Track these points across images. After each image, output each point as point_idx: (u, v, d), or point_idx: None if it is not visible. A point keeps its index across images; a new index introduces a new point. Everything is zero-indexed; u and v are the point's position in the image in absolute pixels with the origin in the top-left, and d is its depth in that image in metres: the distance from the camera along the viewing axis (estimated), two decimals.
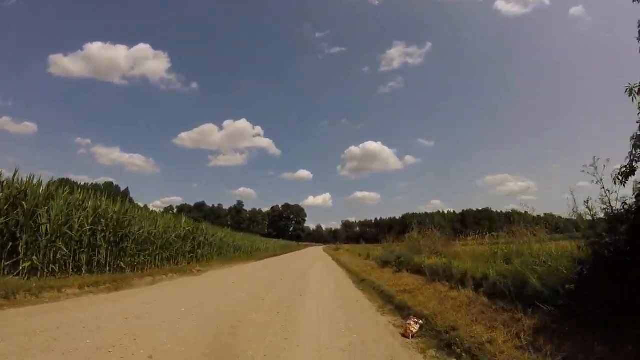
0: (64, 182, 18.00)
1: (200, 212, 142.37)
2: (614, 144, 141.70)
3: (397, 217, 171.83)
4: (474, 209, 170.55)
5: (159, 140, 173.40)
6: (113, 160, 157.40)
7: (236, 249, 27.96)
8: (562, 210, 6.16)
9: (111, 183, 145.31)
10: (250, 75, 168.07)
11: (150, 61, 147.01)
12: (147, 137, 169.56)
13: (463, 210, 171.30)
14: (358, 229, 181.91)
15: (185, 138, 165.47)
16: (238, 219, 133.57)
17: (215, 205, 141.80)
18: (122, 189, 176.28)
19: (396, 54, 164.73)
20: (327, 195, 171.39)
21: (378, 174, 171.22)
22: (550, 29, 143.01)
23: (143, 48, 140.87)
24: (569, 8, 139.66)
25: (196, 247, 20.03)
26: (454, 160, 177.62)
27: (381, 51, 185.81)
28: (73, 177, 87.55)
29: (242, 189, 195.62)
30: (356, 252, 30.09)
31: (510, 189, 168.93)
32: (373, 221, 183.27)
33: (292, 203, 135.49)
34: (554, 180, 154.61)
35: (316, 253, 47.53)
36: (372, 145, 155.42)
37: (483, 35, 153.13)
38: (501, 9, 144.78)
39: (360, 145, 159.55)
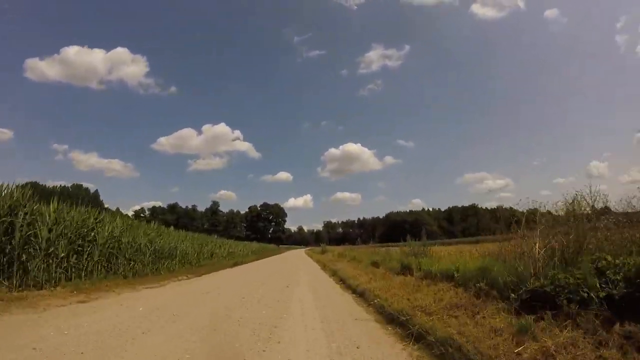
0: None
1: (173, 214, 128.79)
2: (590, 140, 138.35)
3: (381, 217, 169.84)
4: (460, 206, 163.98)
5: (138, 145, 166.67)
6: (91, 166, 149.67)
7: (164, 256, 16.12)
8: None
9: (80, 185, 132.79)
10: (229, 79, 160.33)
11: (128, 65, 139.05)
12: (125, 142, 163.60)
13: (449, 208, 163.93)
14: (340, 229, 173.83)
15: (164, 143, 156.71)
16: (214, 221, 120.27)
17: (189, 207, 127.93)
18: (101, 194, 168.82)
19: (375, 57, 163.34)
20: (308, 197, 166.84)
21: (358, 175, 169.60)
22: (526, 32, 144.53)
23: (121, 52, 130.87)
24: (543, 11, 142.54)
25: (19, 253, 8.22)
26: (434, 160, 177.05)
27: (360, 54, 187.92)
28: (51, 184, 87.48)
29: (222, 192, 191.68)
30: (359, 257, 18.59)
31: (489, 187, 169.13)
32: (356, 221, 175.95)
33: (271, 203, 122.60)
34: (531, 177, 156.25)
35: (298, 258, 35.67)
36: (352, 147, 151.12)
37: (461, 38, 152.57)
38: (477, 12, 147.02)
39: (340, 147, 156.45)
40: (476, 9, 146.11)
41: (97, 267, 11.50)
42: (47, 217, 9.81)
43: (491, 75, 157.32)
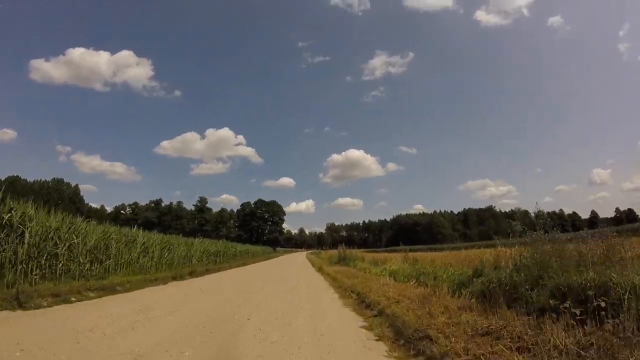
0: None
1: (155, 212, 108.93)
2: (593, 147, 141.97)
3: (388, 219, 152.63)
4: (476, 208, 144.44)
5: (141, 148, 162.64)
6: (93, 168, 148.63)
7: None
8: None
9: (61, 180, 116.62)
10: (233, 84, 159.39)
11: (133, 68, 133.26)
12: (128, 145, 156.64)
13: (464, 210, 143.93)
14: (344, 233, 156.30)
15: (167, 146, 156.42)
16: (201, 220, 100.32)
17: (174, 204, 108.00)
18: (102, 196, 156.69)
19: (379, 63, 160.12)
20: (310, 202, 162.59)
21: (360, 181, 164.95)
22: (529, 39, 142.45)
23: (126, 54, 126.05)
24: (547, 18, 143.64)
25: None
26: (436, 167, 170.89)
27: (364, 61, 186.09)
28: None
29: (224, 195, 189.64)
30: None
31: (492, 193, 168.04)
32: (361, 224, 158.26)
33: (267, 199, 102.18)
34: (533, 184, 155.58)
35: (293, 286, 16.04)
36: (355, 153, 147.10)
37: (464, 45, 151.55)
38: (481, 20, 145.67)
39: (343, 153, 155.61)
40: (480, 16, 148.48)
41: None
42: None
43: (494, 83, 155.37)
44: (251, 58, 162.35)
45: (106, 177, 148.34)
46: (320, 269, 19.50)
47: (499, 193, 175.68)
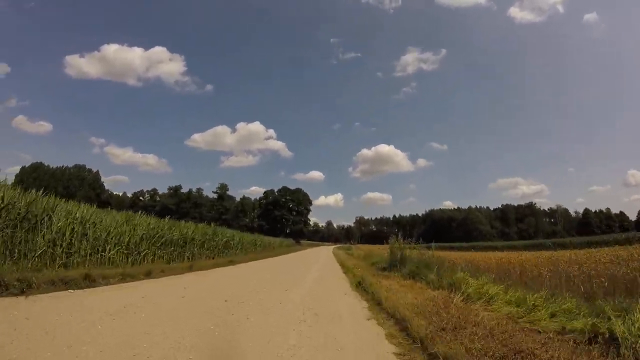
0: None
1: (174, 198, 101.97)
2: (628, 147, 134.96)
3: (420, 214, 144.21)
4: (515, 205, 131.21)
5: (172, 141, 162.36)
6: (125, 160, 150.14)
7: None
8: None
9: (83, 166, 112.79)
10: (265, 78, 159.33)
11: (166, 64, 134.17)
12: (160, 138, 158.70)
13: (502, 206, 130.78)
14: (374, 227, 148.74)
15: (199, 139, 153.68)
16: (220, 208, 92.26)
17: (194, 191, 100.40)
18: (133, 186, 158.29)
19: (411, 60, 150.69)
20: (339, 196, 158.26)
21: (389, 176, 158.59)
22: (564, 37, 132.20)
23: (159, 50, 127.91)
24: (582, 15, 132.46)
25: None
26: (467, 164, 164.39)
27: (395, 57, 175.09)
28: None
29: (253, 187, 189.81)
30: None
31: (523, 192, 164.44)
32: (391, 218, 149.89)
33: (292, 187, 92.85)
34: (566, 184, 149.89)
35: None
36: (385, 148, 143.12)
37: (497, 42, 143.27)
38: (515, 16, 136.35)
39: (373, 148, 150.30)
40: (514, 12, 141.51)
41: None
42: None
43: (527, 81, 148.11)
44: (283, 53, 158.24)
45: (138, 169, 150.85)
46: (360, 287, 9.13)
47: (530, 192, 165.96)
